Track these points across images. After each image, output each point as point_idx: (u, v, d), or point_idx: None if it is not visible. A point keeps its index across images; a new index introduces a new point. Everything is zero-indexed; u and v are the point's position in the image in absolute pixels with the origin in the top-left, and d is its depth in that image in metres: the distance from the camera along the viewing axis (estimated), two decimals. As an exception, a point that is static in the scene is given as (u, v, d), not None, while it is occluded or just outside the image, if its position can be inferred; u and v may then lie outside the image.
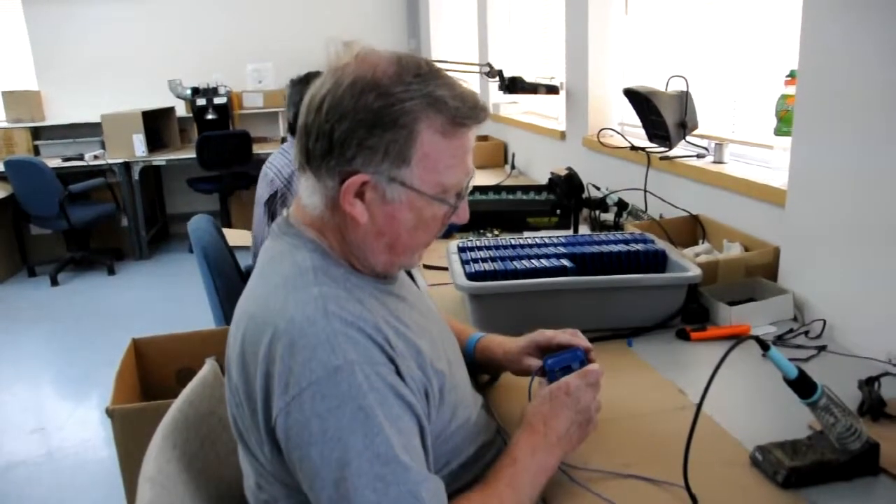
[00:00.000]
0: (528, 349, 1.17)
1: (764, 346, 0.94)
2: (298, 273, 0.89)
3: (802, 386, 0.95)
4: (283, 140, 2.54)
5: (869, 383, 1.18)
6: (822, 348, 1.40)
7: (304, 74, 2.44)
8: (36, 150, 5.91)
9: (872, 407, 1.12)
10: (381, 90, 0.85)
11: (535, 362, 1.14)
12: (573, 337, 1.14)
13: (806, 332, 1.47)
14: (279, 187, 2.42)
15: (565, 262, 1.55)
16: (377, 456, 0.78)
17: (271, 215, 2.43)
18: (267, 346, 0.83)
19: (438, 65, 0.93)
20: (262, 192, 2.47)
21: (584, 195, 2.31)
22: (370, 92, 0.85)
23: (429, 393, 0.90)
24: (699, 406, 0.92)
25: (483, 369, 1.27)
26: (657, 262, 1.59)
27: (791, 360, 0.96)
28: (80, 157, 5.56)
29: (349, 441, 0.78)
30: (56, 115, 6.24)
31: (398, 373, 0.85)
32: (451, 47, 5.85)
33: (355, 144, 0.86)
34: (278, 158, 2.48)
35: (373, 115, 0.85)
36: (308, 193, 0.93)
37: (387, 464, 0.78)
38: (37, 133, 6.03)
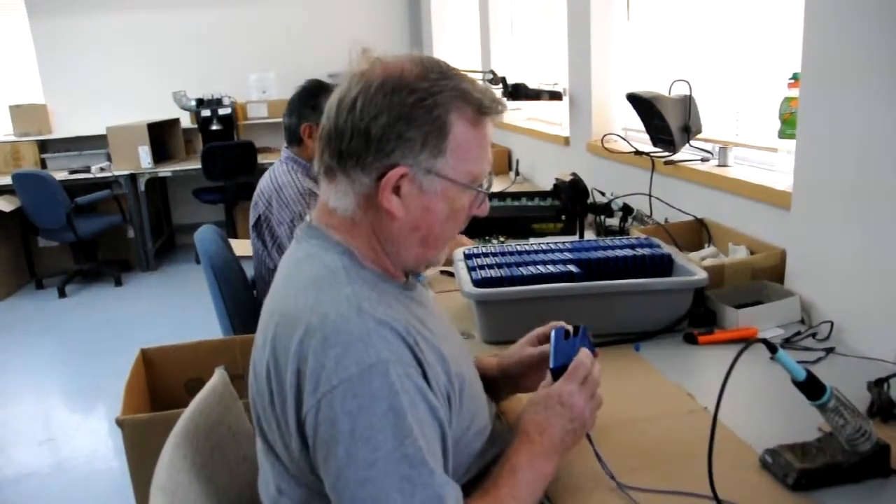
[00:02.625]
0: (529, 342, 1.17)
1: (772, 348, 0.94)
2: (329, 273, 0.91)
3: (811, 388, 0.95)
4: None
5: (878, 385, 1.18)
6: (830, 350, 1.40)
7: (308, 82, 2.43)
8: (43, 164, 5.95)
9: (882, 408, 1.12)
10: (413, 87, 0.89)
11: (540, 349, 1.13)
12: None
13: (813, 335, 1.47)
14: (261, 211, 2.37)
15: (572, 267, 1.55)
16: (405, 457, 0.79)
17: (261, 239, 2.41)
18: (298, 343, 0.84)
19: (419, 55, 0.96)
20: (250, 215, 2.45)
21: (589, 201, 2.31)
22: (402, 89, 0.89)
23: (451, 398, 0.91)
24: (715, 414, 0.91)
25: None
26: (663, 266, 1.59)
27: (799, 362, 0.96)
28: (87, 170, 5.59)
29: (378, 441, 0.79)
30: (62, 128, 6.28)
31: (425, 376, 0.86)
32: (453, 55, 5.87)
33: (394, 138, 0.88)
34: (267, 177, 2.42)
35: (408, 108, 0.88)
36: (338, 196, 0.94)
37: (414, 466, 0.79)
38: (44, 146, 6.06)
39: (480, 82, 0.96)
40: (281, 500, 0.92)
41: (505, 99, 3.45)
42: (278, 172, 2.37)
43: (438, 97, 0.89)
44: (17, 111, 6.04)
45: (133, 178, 5.55)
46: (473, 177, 0.94)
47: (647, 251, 1.62)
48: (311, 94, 2.37)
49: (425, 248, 0.97)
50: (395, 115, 0.88)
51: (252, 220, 2.43)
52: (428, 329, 0.93)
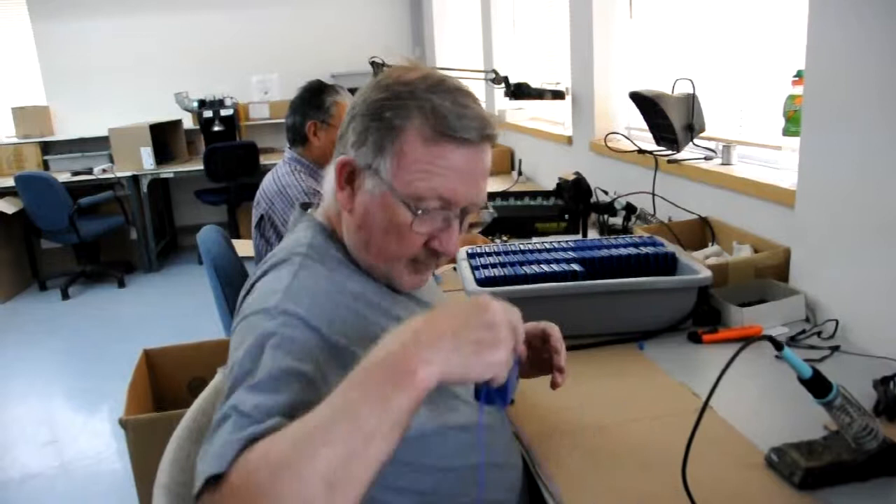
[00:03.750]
0: None
1: (778, 345, 0.93)
2: (296, 244, 0.98)
3: (817, 385, 0.94)
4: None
5: (884, 383, 1.17)
6: (835, 348, 1.39)
7: (310, 83, 2.42)
8: (45, 165, 5.96)
9: (888, 407, 1.12)
10: (390, 89, 0.92)
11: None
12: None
13: (818, 333, 1.46)
14: (264, 210, 2.36)
15: (575, 266, 1.55)
16: (243, 374, 0.78)
17: (264, 238, 2.40)
18: (244, 292, 0.95)
19: (445, 72, 0.96)
20: (253, 215, 2.44)
21: (592, 200, 2.31)
22: (382, 90, 0.93)
23: None
24: (706, 402, 0.90)
25: None
26: (667, 265, 1.58)
27: (804, 360, 0.96)
28: (89, 171, 5.60)
29: (237, 364, 0.80)
30: (65, 129, 6.30)
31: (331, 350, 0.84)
32: (455, 54, 5.87)
33: (353, 131, 0.95)
34: (269, 177, 2.41)
35: (374, 106, 0.92)
36: (327, 182, 1.02)
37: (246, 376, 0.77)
38: (46, 148, 6.07)
39: (485, 113, 0.93)
40: None
41: (507, 98, 3.45)
42: (281, 173, 2.37)
43: (406, 102, 0.90)
44: (19, 113, 6.05)
45: (135, 179, 5.56)
46: (416, 194, 0.90)
47: (650, 250, 1.61)
48: (315, 93, 2.36)
49: (369, 254, 0.97)
50: (362, 111, 0.94)
51: (254, 220, 2.42)
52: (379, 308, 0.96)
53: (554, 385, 1.00)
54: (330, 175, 0.99)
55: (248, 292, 0.94)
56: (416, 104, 0.90)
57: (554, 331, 1.03)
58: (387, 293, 0.99)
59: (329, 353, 0.84)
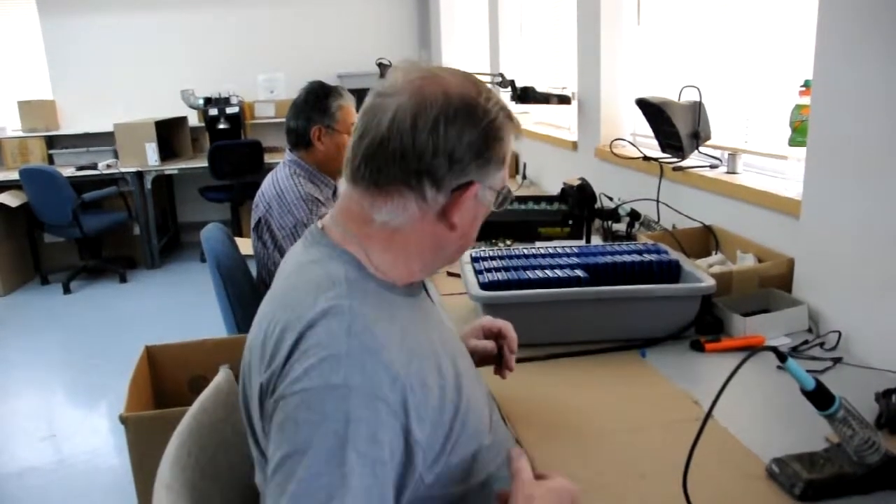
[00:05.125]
0: (475, 333, 1.23)
1: (781, 357, 0.93)
2: (330, 283, 0.88)
3: (820, 397, 0.94)
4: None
5: (886, 396, 1.17)
6: (837, 360, 1.39)
7: (312, 85, 2.36)
8: (50, 159, 5.96)
9: (890, 419, 1.12)
10: (483, 107, 0.92)
11: (484, 343, 1.21)
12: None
13: (821, 344, 1.46)
14: (262, 214, 2.34)
15: (579, 272, 1.55)
16: (327, 486, 0.75)
17: (261, 241, 2.39)
18: (287, 349, 0.83)
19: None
20: (252, 216, 2.41)
21: (597, 205, 2.31)
22: (476, 109, 0.92)
23: (453, 423, 0.88)
24: (709, 412, 0.91)
25: None
26: (670, 272, 1.58)
27: (806, 371, 0.95)
28: (94, 166, 5.60)
29: (310, 460, 0.76)
30: (70, 124, 6.30)
31: (406, 421, 0.82)
32: (462, 57, 5.87)
33: (473, 157, 0.91)
34: (269, 180, 2.37)
35: (484, 129, 0.92)
36: (393, 211, 0.92)
37: (331, 499, 0.74)
38: (51, 142, 6.09)
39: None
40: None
41: (513, 102, 3.45)
42: (280, 176, 2.34)
43: (499, 116, 0.93)
44: (25, 107, 6.06)
45: (140, 175, 5.57)
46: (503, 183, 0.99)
47: (654, 257, 1.61)
48: (319, 97, 2.31)
49: (459, 252, 1.01)
50: (476, 136, 0.91)
51: (253, 222, 2.41)
52: (435, 341, 0.93)
53: (500, 375, 1.22)
54: (401, 204, 0.92)
55: (294, 343, 0.83)
56: (503, 114, 0.94)
57: (510, 331, 1.21)
58: (406, 301, 0.96)
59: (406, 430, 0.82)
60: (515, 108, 4.04)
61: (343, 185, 0.98)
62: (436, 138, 0.89)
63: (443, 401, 0.87)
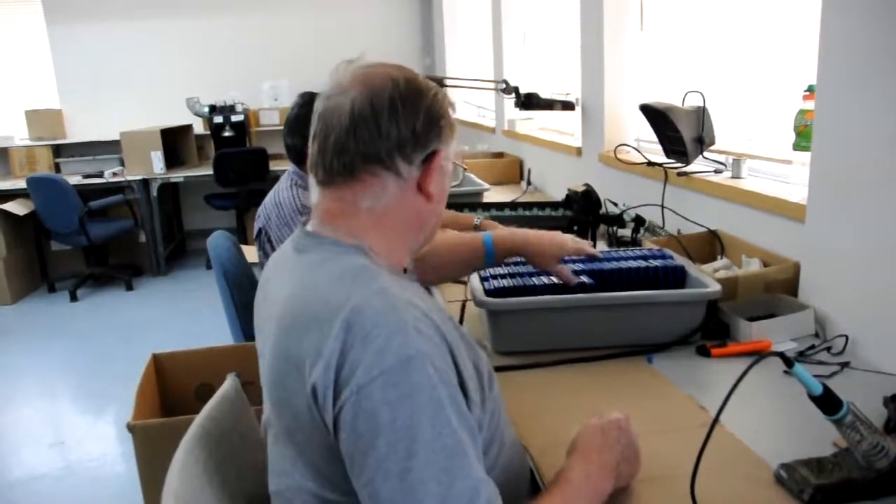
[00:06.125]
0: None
1: (788, 362, 0.93)
2: (356, 268, 0.92)
3: (828, 402, 0.94)
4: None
5: (894, 400, 1.16)
6: (844, 364, 1.39)
7: (303, 98, 2.27)
8: (57, 168, 6.00)
9: (898, 424, 1.11)
10: (426, 86, 1.02)
11: (566, 270, 1.48)
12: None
13: (828, 348, 1.46)
14: (262, 224, 2.32)
15: (584, 278, 1.55)
16: (444, 448, 0.79)
17: (262, 250, 2.39)
18: (335, 339, 0.82)
19: (454, 82, 1.04)
20: (255, 226, 2.38)
21: (602, 211, 2.31)
22: (423, 89, 1.01)
23: (483, 384, 0.94)
24: (716, 417, 0.91)
25: (499, 260, 1.49)
26: (676, 278, 1.58)
27: (813, 376, 0.95)
28: (100, 175, 5.63)
29: (418, 431, 0.78)
30: (77, 132, 6.34)
31: (457, 368, 0.87)
32: (466, 64, 5.89)
33: (433, 129, 1.00)
34: (272, 191, 2.34)
35: (432, 103, 1.00)
36: (374, 195, 0.98)
37: (452, 457, 0.79)
38: (58, 151, 6.13)
39: None
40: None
41: (517, 108, 3.46)
42: (281, 188, 2.33)
43: (437, 89, 1.03)
44: (32, 116, 6.11)
45: (145, 183, 5.59)
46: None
47: (659, 263, 1.61)
48: (311, 111, 2.28)
49: (435, 229, 1.08)
50: (428, 111, 0.99)
51: (255, 232, 2.42)
52: (448, 316, 0.96)
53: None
54: (381, 186, 0.98)
55: (345, 333, 0.83)
56: (441, 91, 1.04)
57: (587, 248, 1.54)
58: (414, 283, 1.02)
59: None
60: (519, 115, 4.05)
61: (315, 193, 1.02)
62: (396, 117, 0.97)
63: (469, 360, 0.93)
